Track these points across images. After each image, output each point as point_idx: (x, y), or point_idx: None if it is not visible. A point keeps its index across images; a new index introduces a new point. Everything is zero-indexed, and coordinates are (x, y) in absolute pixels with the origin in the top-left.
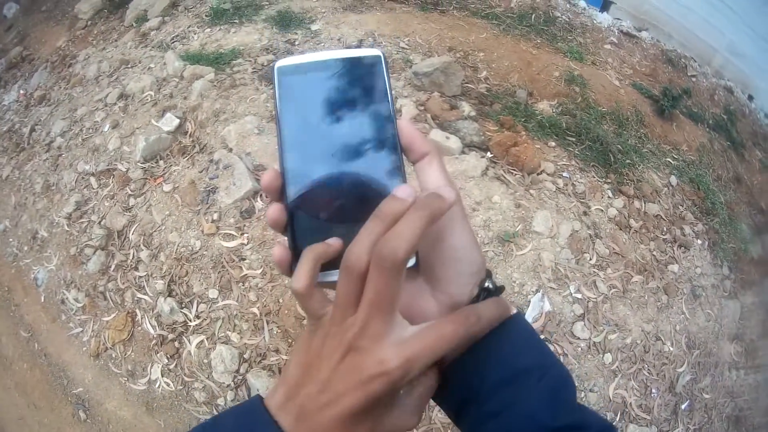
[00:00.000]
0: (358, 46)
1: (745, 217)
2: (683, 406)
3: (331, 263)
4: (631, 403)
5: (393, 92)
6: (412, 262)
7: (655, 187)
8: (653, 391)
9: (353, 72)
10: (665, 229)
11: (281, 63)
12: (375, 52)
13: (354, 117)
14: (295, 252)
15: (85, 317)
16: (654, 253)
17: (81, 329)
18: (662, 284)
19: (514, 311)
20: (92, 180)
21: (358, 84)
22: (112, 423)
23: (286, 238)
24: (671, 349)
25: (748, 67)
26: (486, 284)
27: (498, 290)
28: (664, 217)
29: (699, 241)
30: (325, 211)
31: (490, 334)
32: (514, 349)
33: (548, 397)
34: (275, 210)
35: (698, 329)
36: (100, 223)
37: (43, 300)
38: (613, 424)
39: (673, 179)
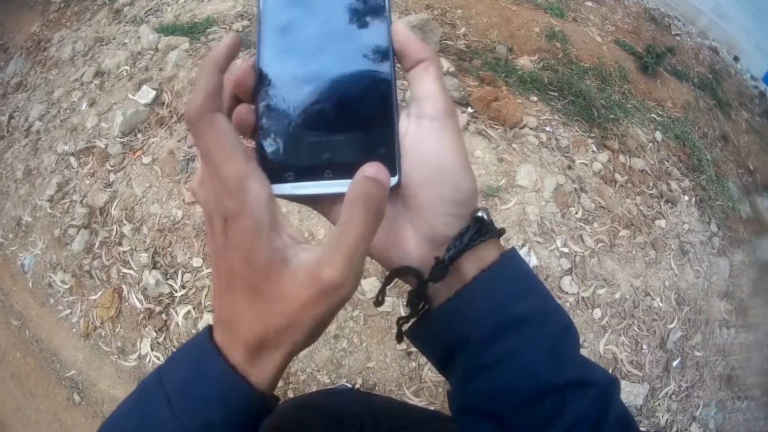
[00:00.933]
0: None
1: (733, 176)
2: (675, 363)
3: (311, 170)
4: (622, 359)
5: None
6: (393, 180)
7: (640, 142)
8: (644, 347)
9: None
10: (651, 184)
11: None
12: None
13: (343, 18)
14: (263, 160)
15: (73, 298)
16: (641, 207)
17: (70, 311)
18: (650, 239)
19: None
20: (72, 160)
21: None
22: (106, 403)
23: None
24: (661, 305)
25: (734, 30)
26: (479, 214)
27: (495, 230)
28: (649, 172)
29: (686, 197)
30: (300, 117)
31: (482, 274)
32: (509, 293)
33: (548, 349)
34: (245, 111)
35: (687, 286)
36: (82, 202)
37: (30, 286)
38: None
39: (658, 135)
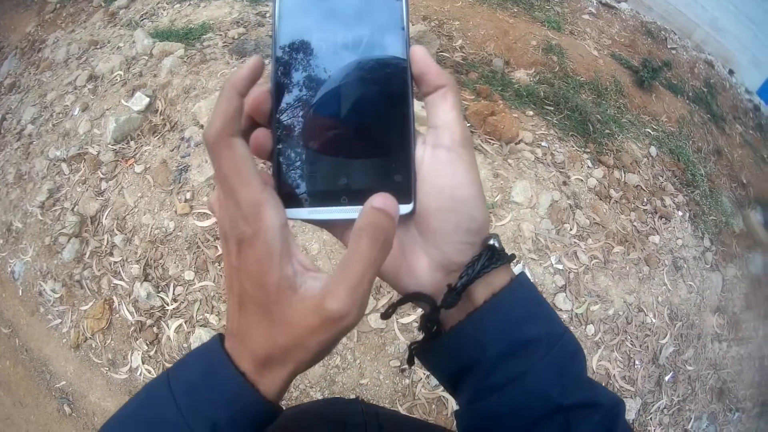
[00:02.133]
0: None
1: (726, 191)
2: (667, 378)
3: (327, 195)
4: (614, 374)
5: (408, 17)
6: (408, 208)
7: (635, 157)
8: (636, 362)
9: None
10: (645, 200)
11: None
12: None
13: (360, 39)
14: (279, 184)
15: (63, 308)
16: (635, 223)
17: (60, 320)
18: (643, 255)
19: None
20: (64, 166)
21: (371, 2)
22: (96, 415)
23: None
24: (654, 320)
25: (730, 43)
26: (491, 242)
27: (506, 257)
28: (644, 187)
29: (680, 213)
30: (316, 141)
31: (493, 299)
32: (519, 317)
33: (557, 371)
34: (262, 135)
35: (680, 301)
36: (73, 209)
37: (20, 294)
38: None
39: (653, 150)
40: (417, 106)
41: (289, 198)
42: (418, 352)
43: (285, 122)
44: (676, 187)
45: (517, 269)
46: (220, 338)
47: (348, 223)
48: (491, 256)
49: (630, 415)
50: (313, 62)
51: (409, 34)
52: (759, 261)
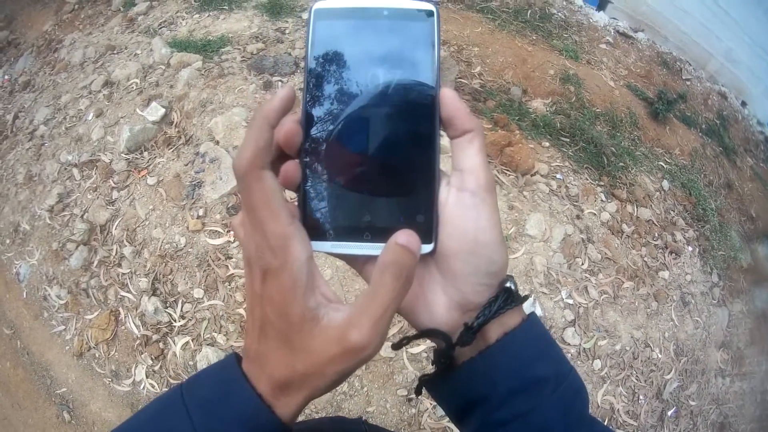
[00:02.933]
0: None
1: (735, 224)
2: (669, 413)
3: (350, 231)
4: (618, 409)
5: (440, 55)
6: (429, 248)
7: (648, 191)
8: (641, 397)
9: (399, 25)
10: (657, 235)
11: (319, 5)
12: (428, 5)
13: (391, 76)
14: (305, 216)
15: (68, 315)
16: (645, 259)
17: (63, 327)
18: (653, 291)
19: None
20: (75, 171)
21: (403, 40)
22: (96, 425)
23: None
24: (659, 356)
25: (743, 74)
26: (507, 284)
27: (520, 298)
28: (656, 222)
29: (690, 248)
30: (343, 177)
31: (504, 338)
32: (528, 356)
33: (562, 409)
34: (292, 168)
35: (686, 336)
36: (82, 216)
37: (25, 296)
38: None
39: (665, 183)
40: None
41: (314, 230)
42: (428, 384)
43: (313, 156)
44: (686, 221)
45: (527, 304)
46: (236, 358)
47: (369, 258)
48: (507, 298)
49: None
50: (344, 97)
51: (440, 75)
52: (765, 296)
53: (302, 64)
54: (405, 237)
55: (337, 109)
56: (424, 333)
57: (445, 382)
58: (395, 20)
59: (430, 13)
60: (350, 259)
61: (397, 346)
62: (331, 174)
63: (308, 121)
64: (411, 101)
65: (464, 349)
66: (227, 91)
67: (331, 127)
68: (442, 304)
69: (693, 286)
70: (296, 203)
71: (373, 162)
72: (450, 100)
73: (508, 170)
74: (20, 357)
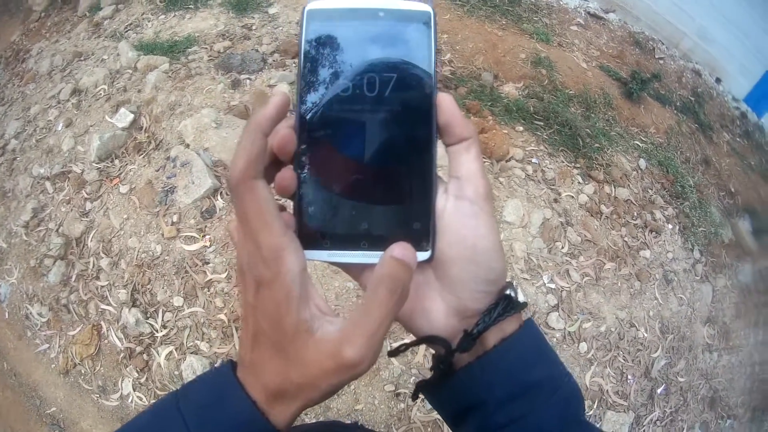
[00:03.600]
0: None
1: (715, 200)
2: (659, 391)
3: (347, 239)
4: (608, 390)
5: (437, 59)
6: (426, 255)
7: (625, 170)
8: (629, 377)
9: (394, 27)
10: (636, 214)
11: (312, 6)
12: (424, 7)
13: (387, 81)
14: (300, 225)
15: (51, 332)
16: (625, 238)
17: (48, 345)
18: (634, 270)
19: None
20: (47, 184)
21: (398, 42)
22: None
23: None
24: (645, 335)
25: (717, 51)
26: (507, 291)
27: (520, 305)
28: (634, 201)
29: (669, 226)
30: (339, 185)
31: (502, 343)
32: (525, 361)
33: (558, 413)
34: (288, 176)
35: (671, 314)
36: (57, 230)
37: (7, 316)
38: (591, 412)
39: (642, 162)
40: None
41: (310, 239)
42: (425, 389)
43: (307, 163)
44: (665, 199)
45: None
46: (231, 365)
47: (366, 267)
48: (507, 305)
49: (623, 430)
50: (338, 102)
51: (437, 80)
52: (747, 270)
53: (270, 60)
54: (400, 250)
55: (332, 114)
56: (423, 339)
57: (442, 387)
58: (390, 22)
59: (426, 15)
60: (347, 268)
61: (394, 353)
62: (326, 181)
63: (302, 126)
64: (407, 107)
65: (462, 355)
66: (195, 92)
67: (326, 133)
68: (440, 311)
69: (675, 264)
70: (291, 212)
71: (370, 169)
72: (448, 106)
73: (482, 157)
74: (8, 379)
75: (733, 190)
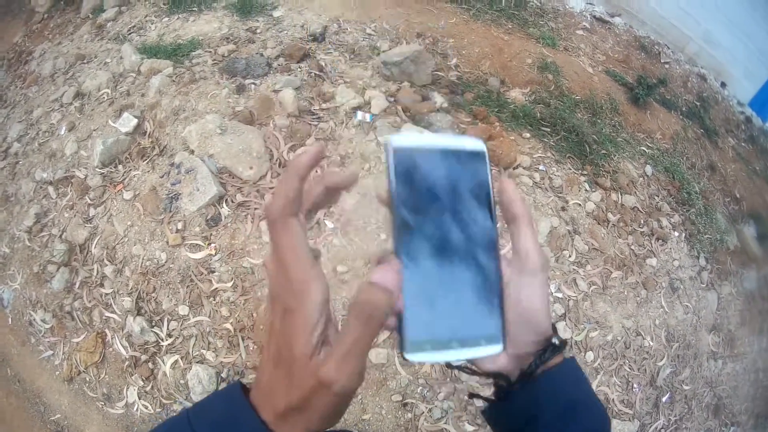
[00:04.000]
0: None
1: (720, 206)
2: (664, 399)
3: (443, 343)
4: (613, 399)
5: (492, 179)
6: (499, 348)
7: (631, 177)
8: (635, 386)
9: (461, 159)
10: (642, 222)
11: (397, 142)
12: (479, 143)
13: (461, 207)
14: (403, 332)
15: (55, 339)
16: (632, 247)
17: (52, 352)
18: (641, 279)
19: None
20: (50, 189)
21: (466, 172)
22: None
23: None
24: (651, 343)
25: (722, 56)
26: (554, 341)
27: (562, 346)
28: (640, 209)
29: (676, 233)
30: (429, 291)
31: (551, 372)
32: (569, 385)
33: (591, 427)
34: (392, 296)
35: (677, 322)
36: (61, 236)
37: (10, 322)
38: None
39: (648, 169)
40: None
41: (413, 345)
42: (486, 413)
43: (408, 279)
44: (672, 206)
45: None
46: (241, 386)
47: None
48: (553, 349)
49: None
50: (423, 221)
51: (494, 195)
52: (753, 277)
53: (275, 64)
54: (379, 274)
55: (418, 230)
56: (490, 374)
57: (501, 409)
58: (457, 154)
59: (482, 148)
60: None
61: (471, 396)
62: (422, 292)
63: (398, 240)
64: (477, 216)
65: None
66: (199, 96)
67: (418, 245)
68: (502, 357)
69: (681, 272)
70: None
71: (453, 275)
72: (510, 191)
73: (490, 165)
74: (12, 385)
75: (738, 195)
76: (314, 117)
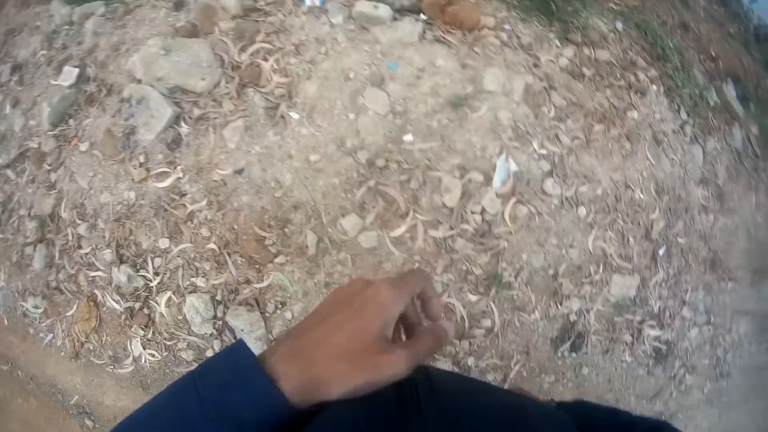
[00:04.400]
0: None
1: (696, 63)
2: (661, 252)
3: None
4: (611, 253)
5: None
6: None
7: (602, 33)
8: (630, 239)
9: None
10: (619, 75)
11: None
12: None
13: None
14: None
15: (50, 320)
16: (611, 100)
17: (52, 335)
18: (624, 131)
19: None
20: (9, 172)
21: None
22: (117, 417)
23: None
24: (642, 196)
25: None
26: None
27: None
28: (615, 63)
29: (654, 87)
30: None
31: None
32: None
33: None
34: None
35: (665, 175)
36: (29, 214)
37: (6, 323)
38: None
39: (619, 24)
40: None
41: None
42: None
43: None
44: (647, 61)
45: (500, 160)
46: (247, 350)
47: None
48: None
49: (631, 293)
50: None
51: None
52: (737, 133)
53: None
54: (451, 324)
55: None
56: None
57: None
58: None
59: None
60: None
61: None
62: None
63: None
64: None
65: None
66: (138, 25)
67: None
68: None
69: (663, 125)
70: None
71: None
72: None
73: (452, 29)
74: (26, 386)
75: (714, 54)
76: (261, 13)
